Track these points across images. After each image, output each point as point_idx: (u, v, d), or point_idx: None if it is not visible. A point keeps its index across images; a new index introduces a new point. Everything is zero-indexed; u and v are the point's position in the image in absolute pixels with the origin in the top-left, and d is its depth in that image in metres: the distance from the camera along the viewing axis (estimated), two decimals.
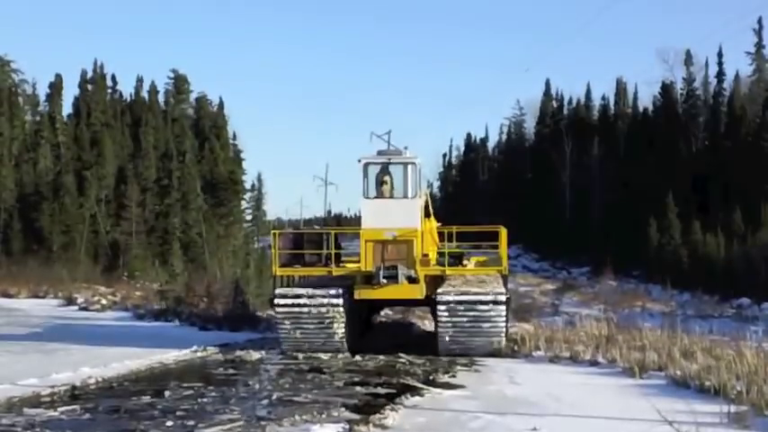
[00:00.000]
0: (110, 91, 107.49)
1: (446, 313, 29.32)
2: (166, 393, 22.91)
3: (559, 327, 35.89)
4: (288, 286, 31.80)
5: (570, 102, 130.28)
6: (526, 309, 48.27)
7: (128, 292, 63.44)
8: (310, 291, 30.53)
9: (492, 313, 29.25)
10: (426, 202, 33.00)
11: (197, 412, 19.95)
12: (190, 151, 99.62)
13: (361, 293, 30.85)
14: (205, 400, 21.90)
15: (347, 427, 17.95)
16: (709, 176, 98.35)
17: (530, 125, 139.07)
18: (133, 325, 43.67)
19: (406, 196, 30.99)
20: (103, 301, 56.39)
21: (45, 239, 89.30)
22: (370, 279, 30.43)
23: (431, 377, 25.72)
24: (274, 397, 22.12)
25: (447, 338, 29.43)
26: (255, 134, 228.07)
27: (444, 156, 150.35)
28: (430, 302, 31.53)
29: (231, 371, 27.44)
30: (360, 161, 31.22)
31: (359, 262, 31.25)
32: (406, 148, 31.78)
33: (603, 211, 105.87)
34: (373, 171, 31.24)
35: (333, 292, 30.35)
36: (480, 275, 32.34)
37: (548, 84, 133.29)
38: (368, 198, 31.19)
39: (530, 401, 21.44)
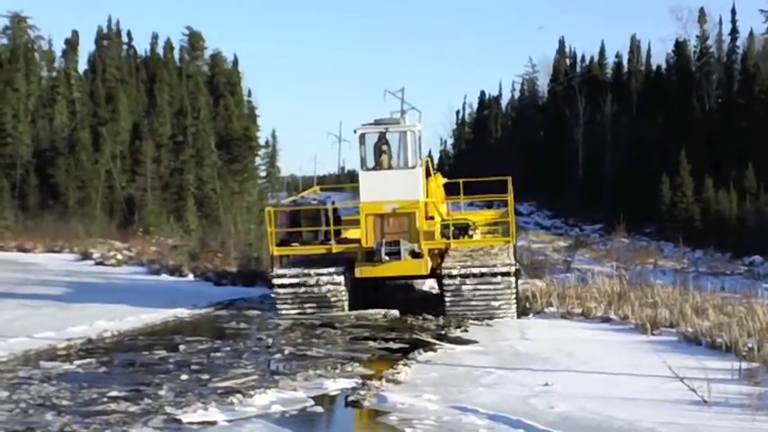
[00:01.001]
0: (125, 47, 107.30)
1: (452, 288, 28.46)
2: (180, 347, 23.16)
3: (572, 283, 35.93)
4: (287, 266, 30.45)
5: (583, 59, 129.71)
6: (538, 265, 48.21)
7: (143, 247, 63.62)
8: (310, 270, 29.36)
9: (501, 286, 28.37)
10: (426, 164, 31.61)
11: (211, 366, 20.17)
12: (204, 108, 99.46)
13: (363, 271, 29.62)
14: (218, 354, 22.14)
15: (360, 381, 18.12)
16: (722, 134, 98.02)
17: (543, 83, 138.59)
18: (148, 280, 43.89)
19: (406, 166, 29.78)
20: (119, 257, 56.61)
21: (61, 195, 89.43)
22: (371, 256, 29.30)
23: (443, 332, 25.92)
24: (287, 352, 22.35)
25: (454, 313, 28.55)
26: (270, 91, 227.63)
27: (458, 113, 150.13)
28: (436, 276, 30.78)
29: (243, 325, 27.71)
30: (356, 131, 30.02)
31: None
32: (403, 113, 31.26)
33: (616, 169, 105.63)
34: (371, 141, 30.03)
35: (333, 271, 29.27)
36: (488, 246, 30.80)
37: (561, 41, 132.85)
38: (366, 170, 29.93)
39: (542, 357, 21.62)
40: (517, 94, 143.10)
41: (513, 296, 28.74)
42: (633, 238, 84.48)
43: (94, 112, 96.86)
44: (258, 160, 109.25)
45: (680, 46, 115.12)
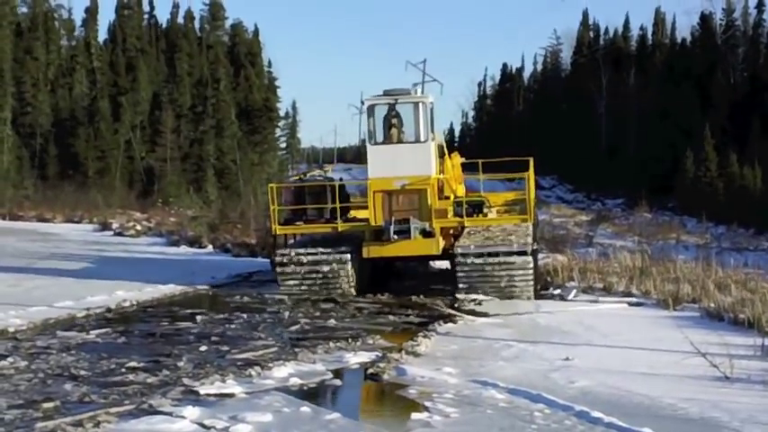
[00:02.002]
0: (146, 17, 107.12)
1: (466, 269, 26.99)
2: (198, 318, 23.11)
3: (593, 258, 35.74)
4: (292, 245, 29.14)
5: (607, 32, 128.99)
6: (560, 240, 48.01)
7: (162, 218, 63.65)
8: (314, 251, 27.93)
9: (517, 267, 26.85)
10: (440, 144, 30.00)
11: (228, 338, 20.09)
12: (224, 78, 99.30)
13: (371, 251, 28.03)
14: (233, 325, 22.08)
15: (380, 354, 17.97)
16: (746, 108, 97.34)
17: (566, 55, 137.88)
18: (167, 251, 43.89)
19: (417, 140, 28.26)
20: (138, 227, 56.63)
21: (80, 165, 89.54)
22: (380, 235, 27.78)
23: (455, 305, 25.74)
24: (306, 325, 22.21)
25: (467, 294, 26.94)
26: (290, 62, 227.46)
27: (479, 85, 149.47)
28: (448, 257, 28.91)
29: (266, 296, 27.64)
30: (363, 103, 28.81)
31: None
32: (418, 84, 29.51)
33: (639, 143, 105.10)
34: (380, 113, 28.51)
35: (339, 251, 27.83)
36: (504, 225, 29.31)
37: (585, 14, 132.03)
38: (374, 144, 28.58)
39: (562, 331, 21.50)
40: (540, 67, 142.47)
41: (531, 277, 27.18)
42: (656, 212, 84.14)
43: (114, 81, 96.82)
44: (278, 131, 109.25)
45: (705, 19, 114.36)
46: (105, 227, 58.33)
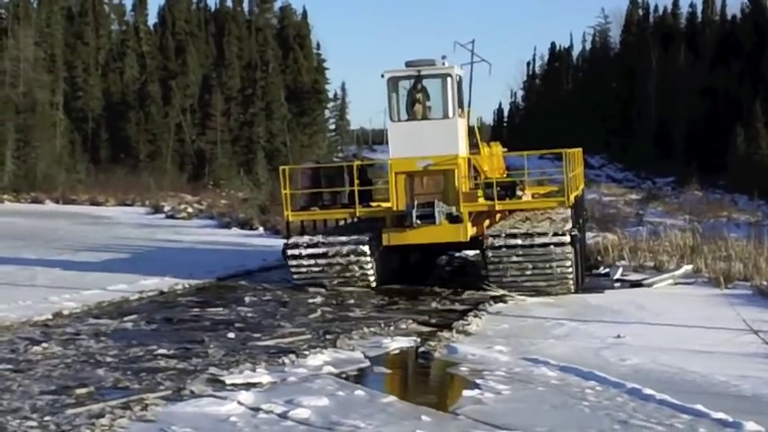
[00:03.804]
0: (194, 1, 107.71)
1: (497, 259, 24.01)
2: (247, 299, 23.11)
3: (643, 237, 35.52)
4: (307, 232, 27.08)
5: (656, 10, 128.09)
6: (609, 219, 47.83)
7: (213, 200, 64.07)
8: (329, 239, 25.41)
9: (555, 257, 23.78)
10: (472, 128, 27.71)
11: (260, 325, 19.69)
12: (273, 61, 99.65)
13: (392, 238, 25.36)
14: (285, 309, 21.85)
15: (417, 339, 17.81)
16: None
17: (615, 34, 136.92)
18: (218, 233, 44.16)
19: (445, 116, 25.62)
20: (189, 210, 57.02)
21: (132, 148, 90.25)
22: (402, 221, 25.15)
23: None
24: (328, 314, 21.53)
25: (500, 287, 24.05)
26: (339, 43, 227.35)
27: (528, 65, 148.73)
28: (477, 245, 26.25)
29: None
30: (383, 76, 25.88)
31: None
32: (444, 57, 26.08)
33: (689, 121, 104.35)
34: (403, 88, 26.03)
35: (357, 239, 25.21)
36: (541, 209, 27.25)
37: None
38: (396, 121, 26.02)
39: (613, 310, 21.46)
40: (588, 46, 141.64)
41: (570, 268, 24.06)
42: (706, 190, 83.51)
43: (164, 65, 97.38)
44: (327, 113, 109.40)
45: None
46: (157, 210, 58.80)
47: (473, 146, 27.39)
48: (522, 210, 27.34)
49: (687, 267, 27.24)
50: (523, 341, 17.34)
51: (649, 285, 25.57)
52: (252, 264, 30.50)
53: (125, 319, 20.31)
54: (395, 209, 25.28)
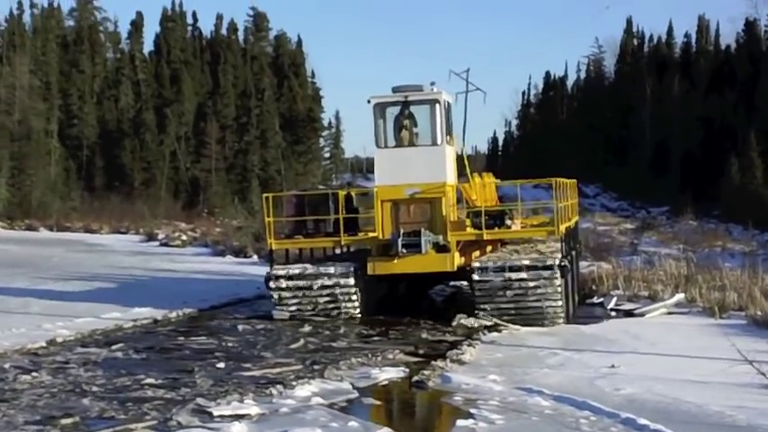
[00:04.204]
0: (190, 29, 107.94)
1: (484, 289, 23.63)
2: (240, 328, 23.02)
3: (638, 266, 35.53)
4: (292, 262, 26.36)
5: (651, 39, 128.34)
6: (604, 248, 47.80)
7: (207, 228, 64.07)
8: (313, 267, 24.89)
9: (543, 288, 23.40)
10: (461, 158, 27.19)
11: (243, 355, 19.38)
12: (268, 89, 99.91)
13: (377, 267, 24.71)
14: (277, 338, 21.69)
15: (406, 369, 17.65)
16: None
17: (609, 63, 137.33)
18: (212, 261, 44.11)
19: (434, 143, 25.09)
20: (183, 237, 57.03)
21: (126, 176, 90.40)
22: (388, 249, 24.52)
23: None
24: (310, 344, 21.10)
25: (488, 319, 23.52)
26: (333, 71, 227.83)
27: (523, 94, 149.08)
28: (465, 276, 25.54)
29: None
30: (369, 101, 25.29)
31: None
32: (432, 84, 25.44)
33: (684, 150, 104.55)
34: (391, 114, 25.45)
35: (342, 268, 24.70)
36: (530, 238, 27.28)
37: (629, 21, 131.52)
38: (383, 147, 25.39)
39: (608, 339, 21.41)
40: (583, 75, 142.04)
41: (559, 299, 23.63)
42: (701, 220, 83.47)
43: (159, 93, 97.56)
44: (322, 141, 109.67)
45: (750, 25, 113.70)
46: (151, 237, 58.82)
47: (462, 176, 26.97)
48: (512, 240, 27.12)
49: (680, 296, 27.23)
50: (517, 370, 17.28)
51: (642, 315, 25.55)
52: (246, 292, 30.38)
53: (116, 347, 20.17)
54: (381, 237, 24.68)
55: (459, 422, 13.42)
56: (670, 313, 25.89)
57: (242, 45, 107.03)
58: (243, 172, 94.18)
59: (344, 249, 28.86)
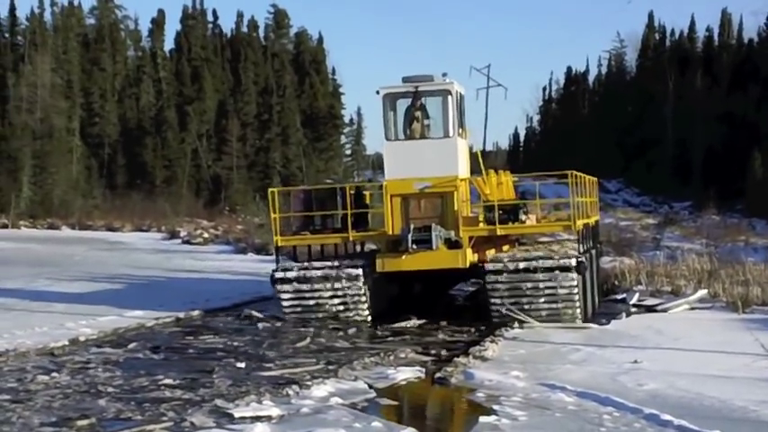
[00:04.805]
0: (210, 26, 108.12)
1: (498, 287, 23.00)
2: (261, 325, 23.05)
3: (661, 261, 35.43)
4: (302, 260, 25.85)
5: (673, 34, 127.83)
6: (626, 243, 47.70)
7: (229, 225, 64.22)
8: (320, 266, 24.14)
9: (560, 285, 22.77)
10: (475, 154, 26.54)
11: (272, 355, 19.08)
12: (289, 86, 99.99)
13: (386, 264, 23.85)
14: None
15: (422, 369, 17.49)
16: None
17: (631, 58, 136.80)
18: (234, 258, 44.17)
19: (446, 135, 24.32)
20: (205, 235, 57.14)
21: (148, 174, 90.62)
22: (397, 245, 23.72)
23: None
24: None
25: (501, 318, 22.95)
26: (355, 68, 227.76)
27: (544, 89, 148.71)
28: (478, 273, 24.56)
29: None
30: (378, 92, 24.57)
31: None
32: (445, 75, 24.73)
33: (706, 145, 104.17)
34: (402, 106, 24.70)
35: (350, 265, 24.00)
36: (551, 238, 26.83)
37: (651, 16, 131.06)
38: (393, 140, 24.61)
39: (630, 334, 21.35)
40: (605, 70, 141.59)
41: (576, 297, 22.99)
42: (724, 215, 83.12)
43: (180, 91, 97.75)
44: (343, 138, 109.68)
45: None
46: (173, 235, 58.95)
47: (476, 173, 26.14)
48: (530, 240, 26.58)
49: (702, 292, 27.13)
50: (540, 366, 17.23)
51: (664, 311, 25.47)
52: (268, 290, 30.19)
53: (137, 347, 20.13)
54: (390, 233, 23.81)
55: (483, 419, 13.35)
56: (693, 308, 25.81)
57: (262, 42, 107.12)
58: (264, 169, 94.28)
59: (357, 248, 28.21)
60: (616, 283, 30.56)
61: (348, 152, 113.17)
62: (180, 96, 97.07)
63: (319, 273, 23.82)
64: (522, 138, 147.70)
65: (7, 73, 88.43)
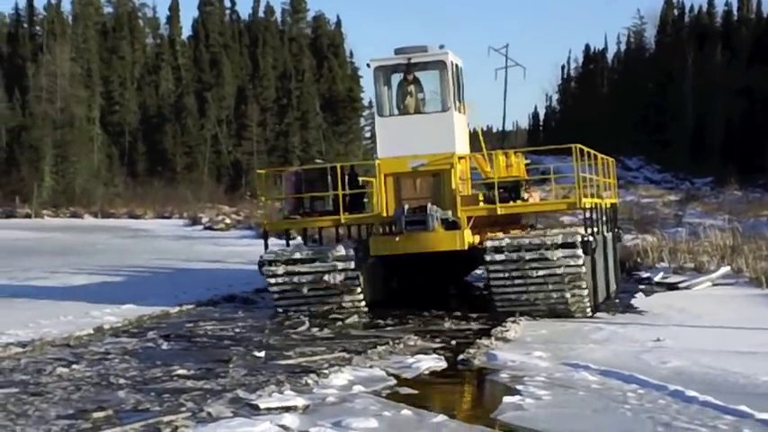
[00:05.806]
0: (228, 12, 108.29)
1: (499, 269, 21.31)
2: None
3: (683, 238, 35.33)
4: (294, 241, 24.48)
5: (692, 9, 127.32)
6: (648, 221, 47.58)
7: (251, 210, 64.21)
8: (309, 252, 22.74)
9: (565, 267, 20.95)
10: (476, 134, 25.12)
11: (291, 343, 18.84)
12: (308, 70, 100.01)
13: (379, 247, 22.50)
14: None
15: (438, 356, 17.12)
16: None
17: (650, 35, 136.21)
18: (256, 243, 44.17)
19: (443, 109, 22.80)
20: (227, 221, 57.25)
21: (168, 161, 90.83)
22: (391, 227, 22.69)
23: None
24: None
25: (504, 305, 21.59)
26: (373, 50, 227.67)
27: (563, 68, 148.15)
28: (478, 256, 22.44)
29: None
30: (369, 65, 23.33)
31: None
32: (442, 46, 23.01)
33: (726, 120, 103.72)
34: (396, 80, 23.33)
35: (341, 249, 22.35)
36: (562, 224, 25.98)
37: None
38: (385, 116, 23.26)
39: (653, 312, 21.32)
40: (623, 47, 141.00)
41: (583, 284, 21.24)
42: (745, 190, 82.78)
43: (199, 77, 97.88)
44: (362, 121, 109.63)
45: None
46: (195, 221, 59.09)
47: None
48: (533, 213, 25.55)
49: (725, 268, 27.06)
50: (563, 346, 17.23)
51: (687, 288, 25.43)
52: None
53: (159, 335, 20.05)
54: (384, 215, 22.55)
55: (507, 399, 13.35)
56: (716, 285, 25.74)
57: (280, 27, 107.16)
58: (284, 154, 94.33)
59: (358, 234, 27.13)
60: (638, 260, 30.51)
61: (368, 135, 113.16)
62: (199, 83, 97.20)
63: (308, 256, 22.53)
64: (541, 117, 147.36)
65: (27, 63, 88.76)
